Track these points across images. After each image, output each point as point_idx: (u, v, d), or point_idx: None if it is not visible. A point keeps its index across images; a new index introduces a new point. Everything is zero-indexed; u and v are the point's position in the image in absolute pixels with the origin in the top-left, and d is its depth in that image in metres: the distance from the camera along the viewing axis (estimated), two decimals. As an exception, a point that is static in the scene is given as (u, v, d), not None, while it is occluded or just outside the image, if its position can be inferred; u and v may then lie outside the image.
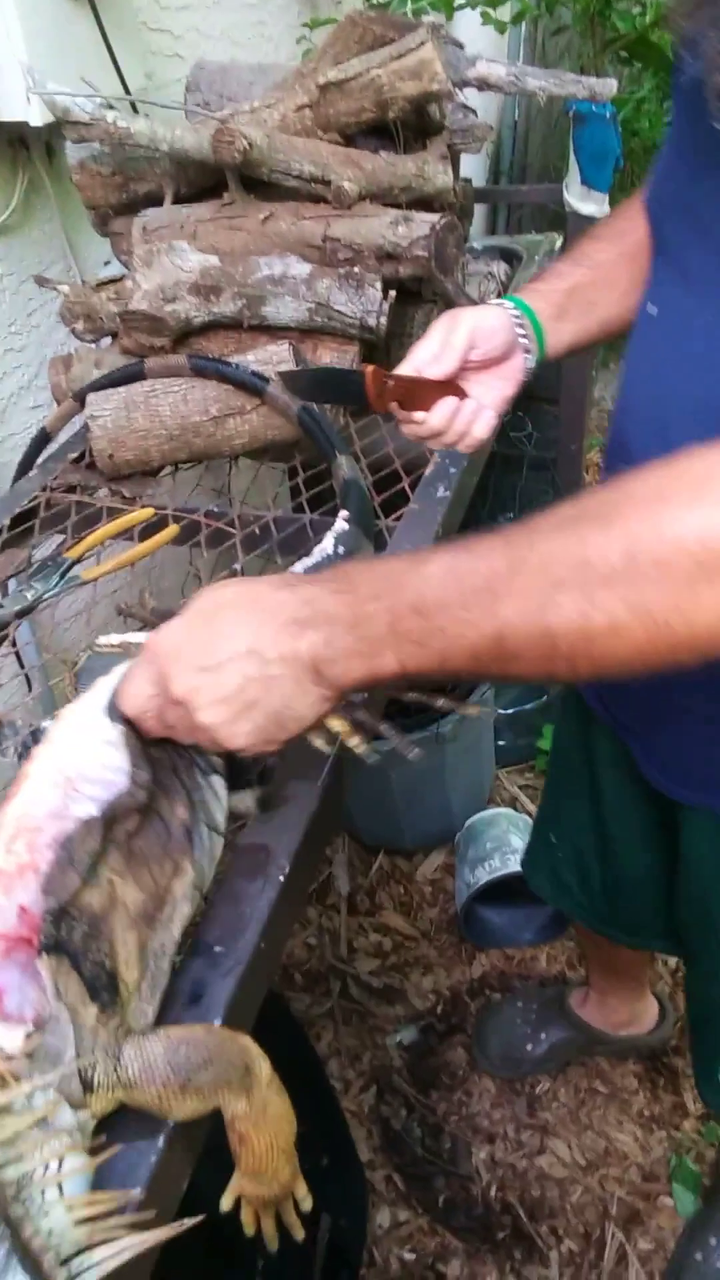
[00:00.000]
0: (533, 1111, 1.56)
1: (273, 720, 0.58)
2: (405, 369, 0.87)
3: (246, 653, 0.56)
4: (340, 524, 0.92)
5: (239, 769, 0.71)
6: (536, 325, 0.90)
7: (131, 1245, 0.46)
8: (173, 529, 1.05)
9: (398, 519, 1.03)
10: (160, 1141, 0.54)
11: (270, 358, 1.11)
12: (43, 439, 1.24)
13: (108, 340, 1.30)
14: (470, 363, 0.87)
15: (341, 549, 0.90)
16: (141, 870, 0.59)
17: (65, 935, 0.54)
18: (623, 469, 0.80)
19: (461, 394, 0.88)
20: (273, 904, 0.65)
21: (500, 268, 1.51)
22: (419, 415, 0.87)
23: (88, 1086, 0.52)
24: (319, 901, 1.88)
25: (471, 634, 0.54)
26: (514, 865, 1.69)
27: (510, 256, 1.74)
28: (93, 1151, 0.50)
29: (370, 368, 0.84)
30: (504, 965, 1.76)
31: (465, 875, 1.79)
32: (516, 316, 0.89)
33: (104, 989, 0.54)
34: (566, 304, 0.91)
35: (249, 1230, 0.63)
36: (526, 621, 0.52)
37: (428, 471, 1.11)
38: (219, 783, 0.69)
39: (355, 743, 0.66)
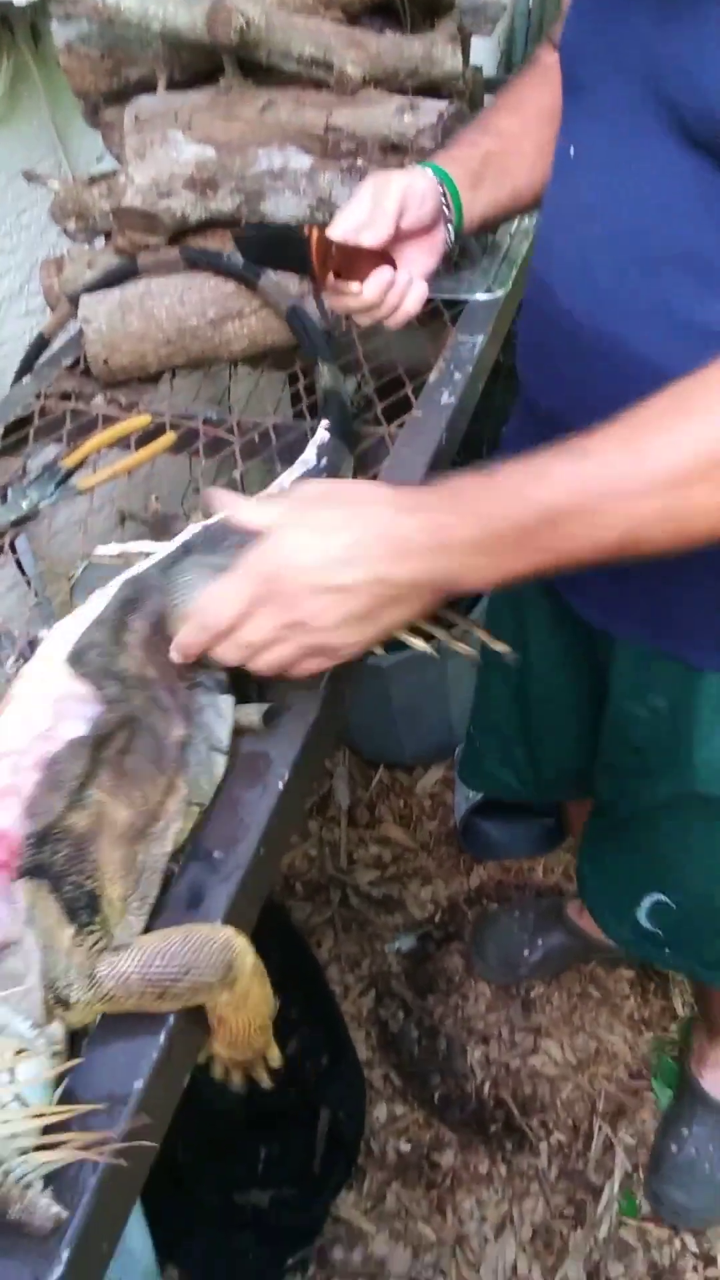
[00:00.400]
0: (527, 1014, 1.61)
1: (386, 631, 0.62)
2: (334, 233, 0.83)
3: (377, 579, 0.58)
4: (321, 434, 0.90)
5: (240, 682, 0.71)
6: (455, 194, 0.87)
7: (67, 1156, 0.46)
8: (170, 436, 1.02)
9: (400, 426, 1.00)
10: (161, 1038, 0.55)
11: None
12: (40, 344, 1.20)
13: (101, 241, 1.25)
14: (400, 231, 0.84)
15: (324, 460, 0.88)
16: (132, 788, 0.59)
17: (47, 858, 0.54)
18: (545, 309, 0.81)
19: (393, 264, 0.85)
20: (272, 811, 0.65)
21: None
22: (354, 286, 0.84)
23: (64, 1004, 0.52)
24: (319, 814, 1.91)
25: (606, 534, 0.58)
26: (513, 780, 1.70)
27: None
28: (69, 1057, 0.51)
29: (314, 229, 0.80)
30: (501, 876, 1.80)
31: (464, 789, 1.81)
32: (438, 183, 0.87)
33: (83, 909, 0.54)
34: (482, 171, 0.89)
35: (219, 1078, 0.65)
36: (661, 518, 0.57)
37: (431, 378, 1.08)
38: (225, 701, 0.68)
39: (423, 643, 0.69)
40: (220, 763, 0.66)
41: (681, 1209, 1.37)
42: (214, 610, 0.62)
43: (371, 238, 0.83)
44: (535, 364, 0.90)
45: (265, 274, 1.04)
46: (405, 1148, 1.46)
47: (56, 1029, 0.52)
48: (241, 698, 0.70)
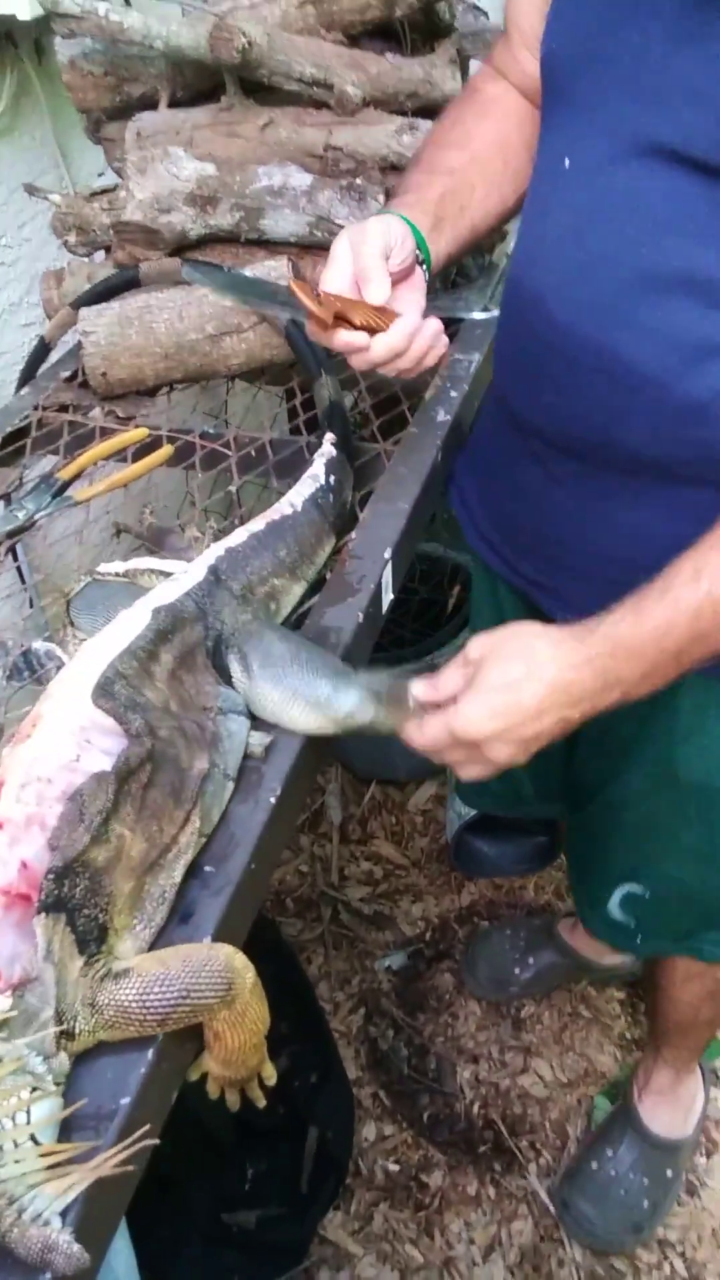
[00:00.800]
0: (517, 1033, 1.60)
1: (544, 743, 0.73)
2: (329, 288, 0.80)
3: (554, 720, 0.70)
4: (328, 448, 0.90)
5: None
6: (420, 238, 0.87)
7: (77, 1180, 0.46)
8: (167, 450, 1.02)
9: (396, 443, 1.01)
10: (150, 1054, 0.54)
11: (268, 273, 1.07)
12: (42, 350, 1.20)
13: (101, 255, 1.26)
14: (391, 274, 0.82)
15: (332, 478, 0.88)
16: (151, 822, 0.58)
17: (66, 893, 0.52)
18: (534, 322, 0.82)
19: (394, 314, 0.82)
20: (263, 827, 0.65)
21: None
22: (361, 338, 0.80)
23: (70, 1036, 0.52)
24: (311, 830, 1.90)
25: None
26: (505, 797, 1.70)
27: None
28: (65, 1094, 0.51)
29: (298, 283, 0.77)
30: (493, 894, 1.79)
31: (456, 806, 1.80)
32: (406, 228, 0.86)
33: (94, 940, 0.54)
34: (440, 213, 0.89)
35: (213, 1097, 0.64)
36: None
37: (428, 395, 1.08)
38: (241, 724, 0.68)
39: None
40: (229, 789, 0.65)
41: (586, 1223, 1.35)
42: (422, 746, 0.73)
43: (377, 293, 0.80)
44: (520, 378, 0.90)
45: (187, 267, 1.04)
46: (394, 1168, 1.45)
47: (64, 1063, 0.51)
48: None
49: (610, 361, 0.77)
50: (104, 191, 1.21)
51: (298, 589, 0.82)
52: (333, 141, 1.10)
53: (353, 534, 0.89)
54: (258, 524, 0.81)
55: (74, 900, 0.53)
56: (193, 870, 0.62)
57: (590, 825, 1.13)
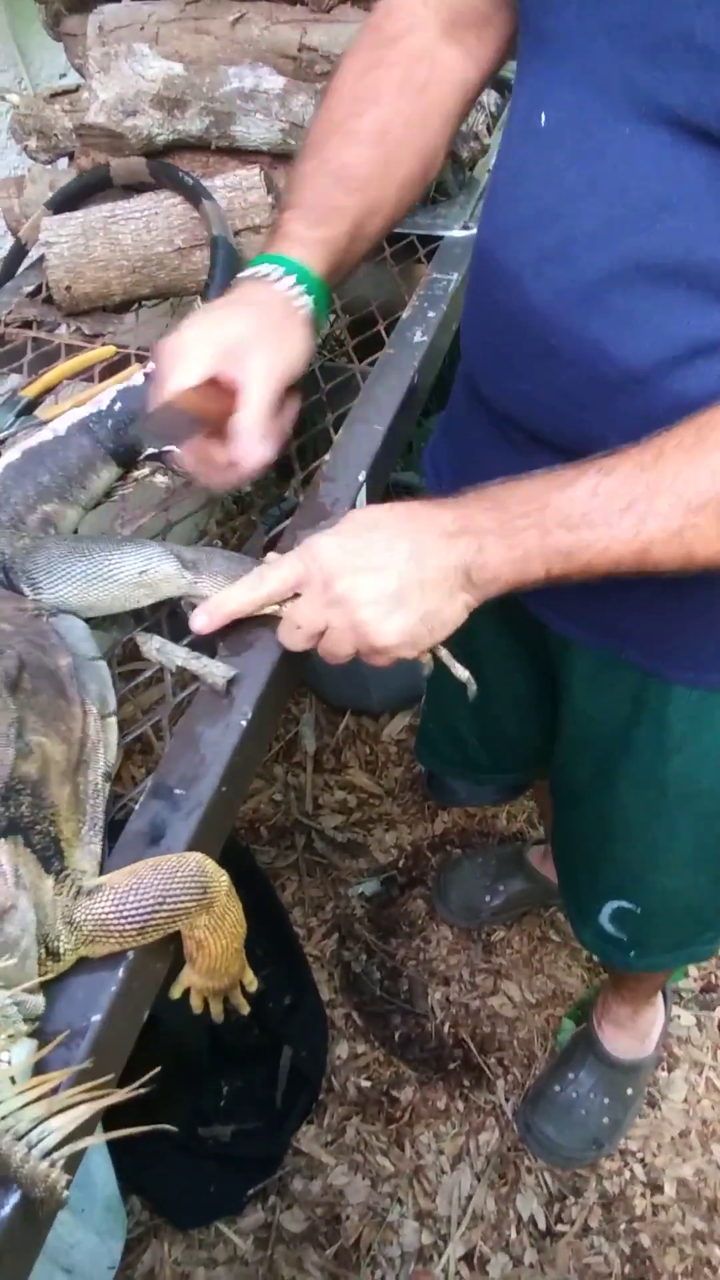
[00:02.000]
0: (487, 957, 1.63)
1: (422, 622, 0.65)
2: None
3: (406, 558, 0.64)
4: (137, 377, 0.88)
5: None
6: (318, 290, 0.76)
7: (83, 1113, 0.46)
8: (135, 369, 0.99)
9: (371, 364, 0.98)
10: (120, 972, 0.54)
11: (240, 183, 1.03)
12: (19, 252, 1.15)
13: (65, 162, 1.20)
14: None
15: (121, 406, 0.86)
16: (58, 723, 0.59)
17: (14, 813, 0.53)
18: (504, 301, 0.74)
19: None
20: (234, 750, 0.64)
21: (490, 97, 1.40)
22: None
23: (55, 956, 0.52)
24: (285, 759, 1.91)
25: (617, 548, 0.63)
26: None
27: (502, 86, 1.61)
28: (35, 1034, 0.50)
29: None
30: (465, 823, 1.82)
31: (431, 737, 1.81)
32: (294, 295, 0.74)
33: (53, 856, 0.54)
34: (349, 247, 0.79)
35: (197, 1011, 0.66)
36: (669, 539, 0.62)
37: (404, 315, 1.05)
38: (68, 619, 0.69)
39: (460, 670, 0.71)
40: (102, 666, 0.67)
41: (549, 1142, 1.40)
42: (260, 582, 0.67)
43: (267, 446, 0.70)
44: (490, 361, 0.82)
45: (210, 197, 1.00)
46: (365, 1084, 1.49)
47: (39, 1002, 0.51)
48: (209, 653, 0.70)
49: (592, 353, 0.69)
50: (65, 92, 1.15)
51: (73, 514, 0.83)
52: (307, 41, 1.05)
53: (326, 455, 0.87)
54: (14, 454, 0.81)
55: (24, 819, 0.53)
56: (162, 792, 0.61)
57: (579, 830, 1.08)
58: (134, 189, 1.08)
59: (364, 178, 0.78)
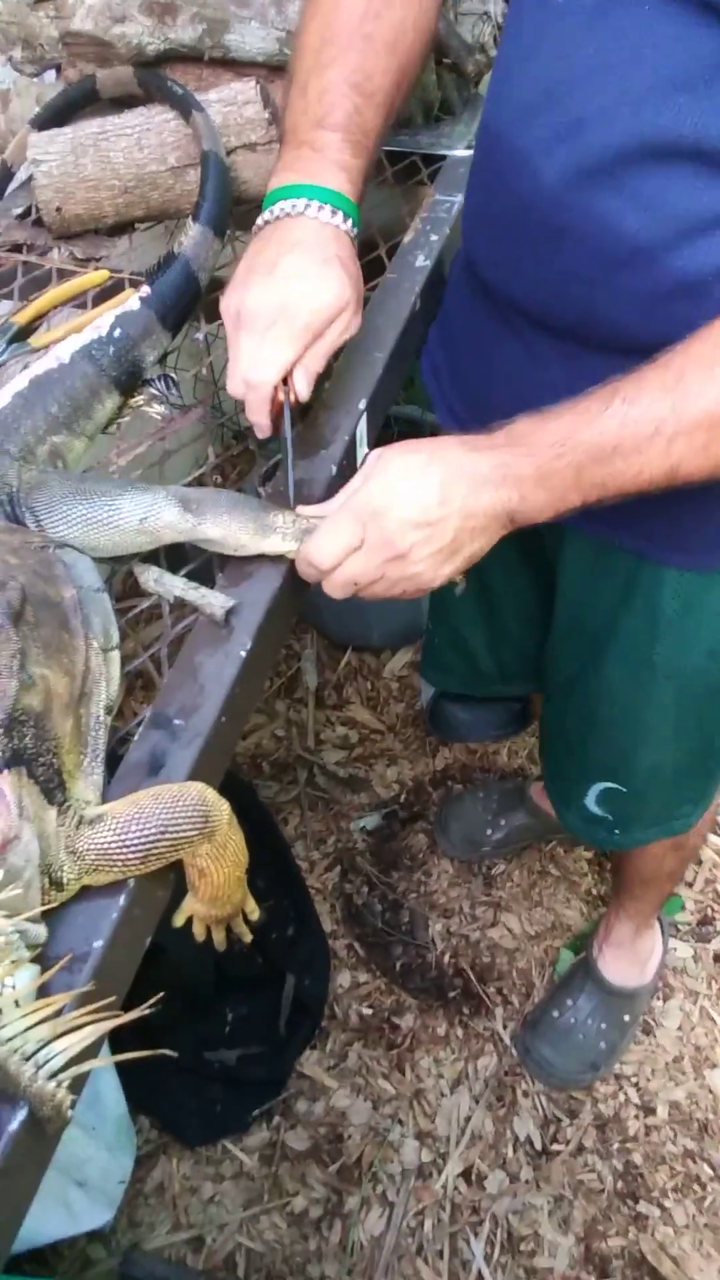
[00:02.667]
0: (488, 890, 1.66)
1: (467, 562, 0.71)
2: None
3: (462, 512, 0.67)
4: (133, 301, 0.87)
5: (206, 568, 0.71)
6: (356, 215, 0.78)
7: (89, 1035, 0.47)
8: (129, 293, 0.96)
9: (373, 289, 0.95)
10: (121, 898, 0.55)
11: (235, 97, 0.99)
12: (5, 173, 1.11)
13: (51, 75, 1.15)
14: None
15: (121, 331, 0.85)
16: (61, 655, 0.59)
17: (19, 744, 0.53)
18: (511, 179, 0.74)
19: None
20: (234, 680, 0.64)
21: (498, 7, 1.34)
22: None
23: (59, 886, 0.53)
24: (287, 695, 1.91)
25: (649, 471, 0.66)
26: (480, 664, 1.70)
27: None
28: (38, 960, 0.51)
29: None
30: (466, 759, 1.83)
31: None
32: (354, 234, 0.77)
33: (56, 788, 0.54)
34: (371, 161, 0.80)
35: (199, 938, 0.67)
36: (695, 454, 0.65)
37: (406, 239, 1.02)
38: (72, 553, 0.69)
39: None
40: (105, 599, 0.67)
41: (547, 1064, 1.43)
42: (323, 552, 0.68)
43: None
44: (494, 243, 0.82)
45: (201, 108, 0.96)
46: (367, 1011, 1.52)
47: (41, 931, 0.52)
48: (207, 584, 0.70)
49: (599, 230, 0.70)
50: None
51: (79, 445, 0.82)
52: (304, -58, 0.99)
53: (325, 384, 0.85)
54: (21, 382, 0.79)
55: (28, 750, 0.53)
56: (161, 722, 0.61)
57: (566, 718, 1.11)
58: (122, 103, 1.04)
59: (386, 91, 0.78)
